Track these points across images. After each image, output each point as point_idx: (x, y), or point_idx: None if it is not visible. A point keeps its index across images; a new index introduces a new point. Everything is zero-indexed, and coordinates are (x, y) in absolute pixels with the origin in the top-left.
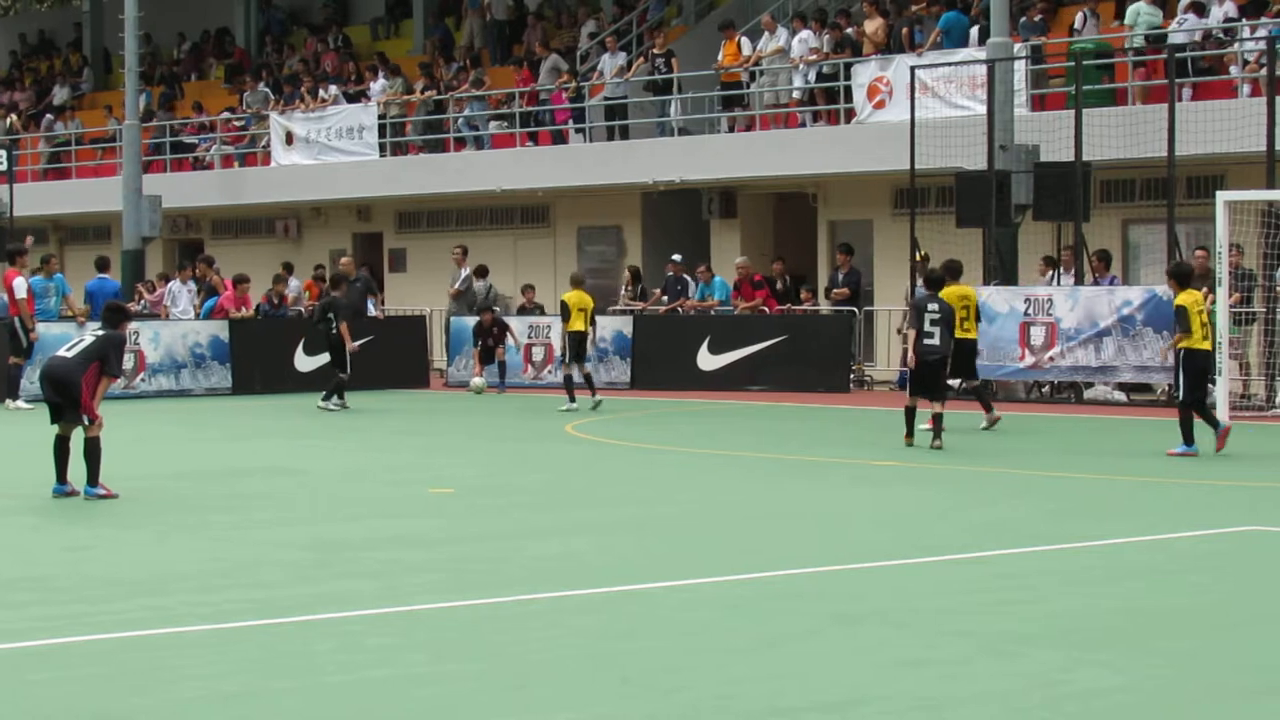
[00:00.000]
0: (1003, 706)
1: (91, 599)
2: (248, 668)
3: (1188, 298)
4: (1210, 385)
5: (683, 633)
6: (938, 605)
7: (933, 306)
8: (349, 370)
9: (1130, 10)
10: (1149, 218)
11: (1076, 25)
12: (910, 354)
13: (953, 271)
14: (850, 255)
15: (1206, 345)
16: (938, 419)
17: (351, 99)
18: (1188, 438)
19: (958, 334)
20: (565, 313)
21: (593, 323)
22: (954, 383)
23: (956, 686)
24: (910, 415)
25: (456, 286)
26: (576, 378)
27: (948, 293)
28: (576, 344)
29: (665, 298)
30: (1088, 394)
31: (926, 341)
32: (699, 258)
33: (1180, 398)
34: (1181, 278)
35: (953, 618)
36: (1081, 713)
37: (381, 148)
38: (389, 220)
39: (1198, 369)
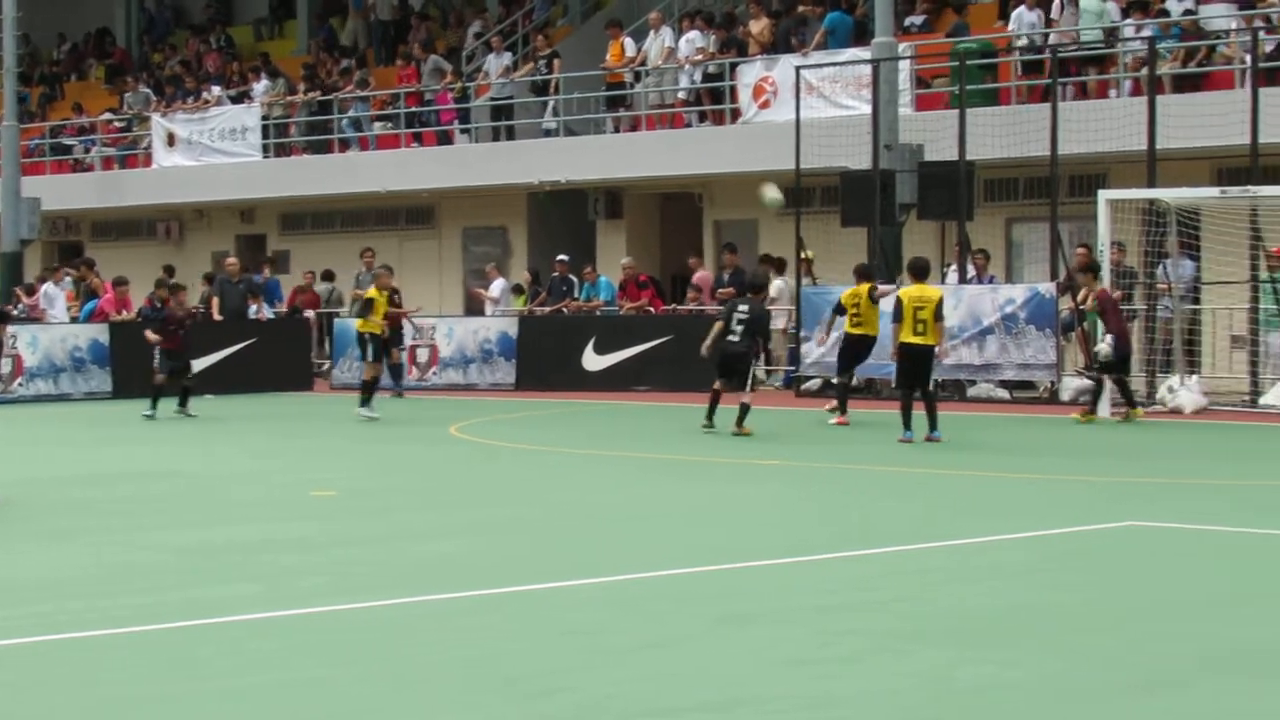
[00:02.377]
0: (890, 704)
1: None
2: (131, 673)
3: (911, 291)
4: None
5: (566, 633)
6: (823, 603)
7: (742, 308)
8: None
9: (1015, 14)
10: (1032, 216)
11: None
12: (709, 345)
13: (915, 270)
14: (736, 254)
15: (915, 339)
16: (743, 409)
17: (235, 100)
18: (904, 422)
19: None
20: (368, 310)
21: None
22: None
23: (844, 685)
24: (714, 398)
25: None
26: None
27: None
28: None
29: (550, 298)
30: (971, 392)
31: (729, 339)
32: (584, 258)
33: (894, 384)
34: (916, 272)
35: (839, 616)
36: (969, 709)
37: (265, 149)
38: (272, 222)
39: (902, 360)
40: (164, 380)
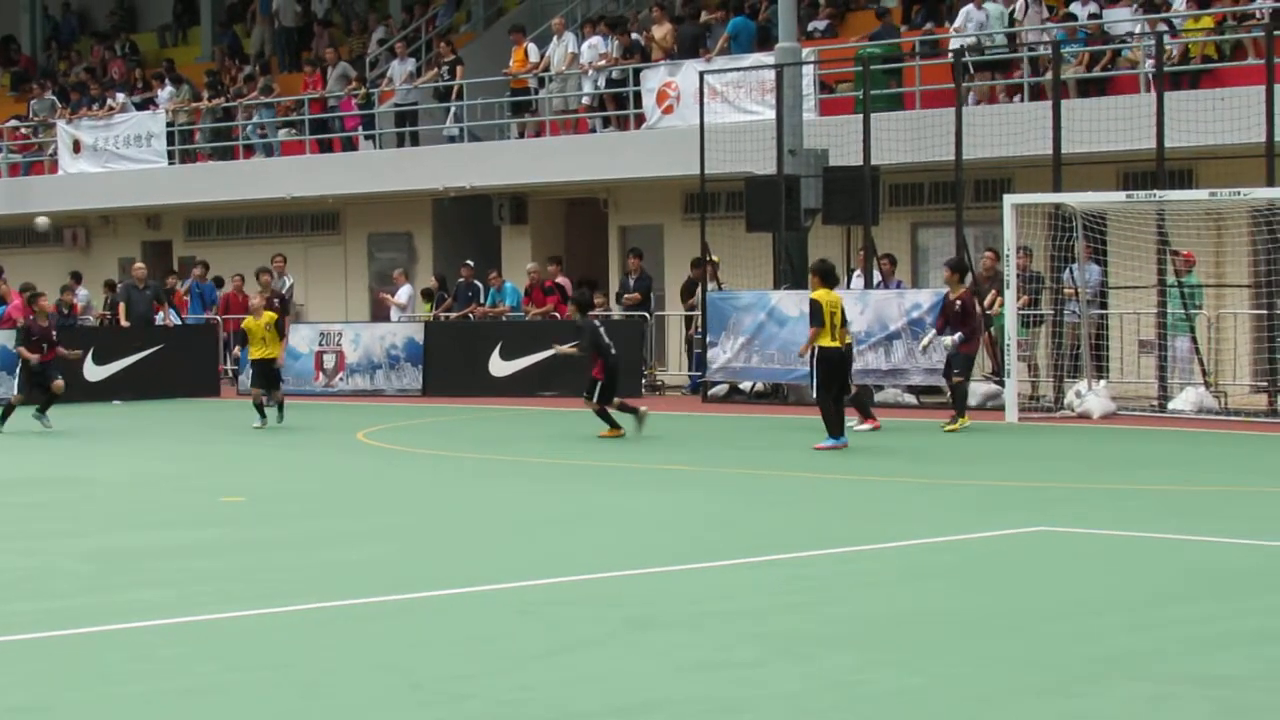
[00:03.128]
0: (796, 708)
1: None
2: (38, 679)
3: (824, 295)
4: (850, 384)
5: (474, 639)
6: (730, 608)
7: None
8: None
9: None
10: (937, 221)
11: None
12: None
13: (823, 274)
14: (641, 260)
15: (838, 343)
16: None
17: (140, 107)
18: (833, 430)
19: (831, 343)
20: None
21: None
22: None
23: (750, 689)
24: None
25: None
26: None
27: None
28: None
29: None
30: (878, 397)
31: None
32: (490, 264)
33: (815, 395)
34: (824, 275)
35: (745, 620)
36: (875, 714)
37: (170, 155)
38: (178, 228)
39: (829, 366)
40: (19, 399)
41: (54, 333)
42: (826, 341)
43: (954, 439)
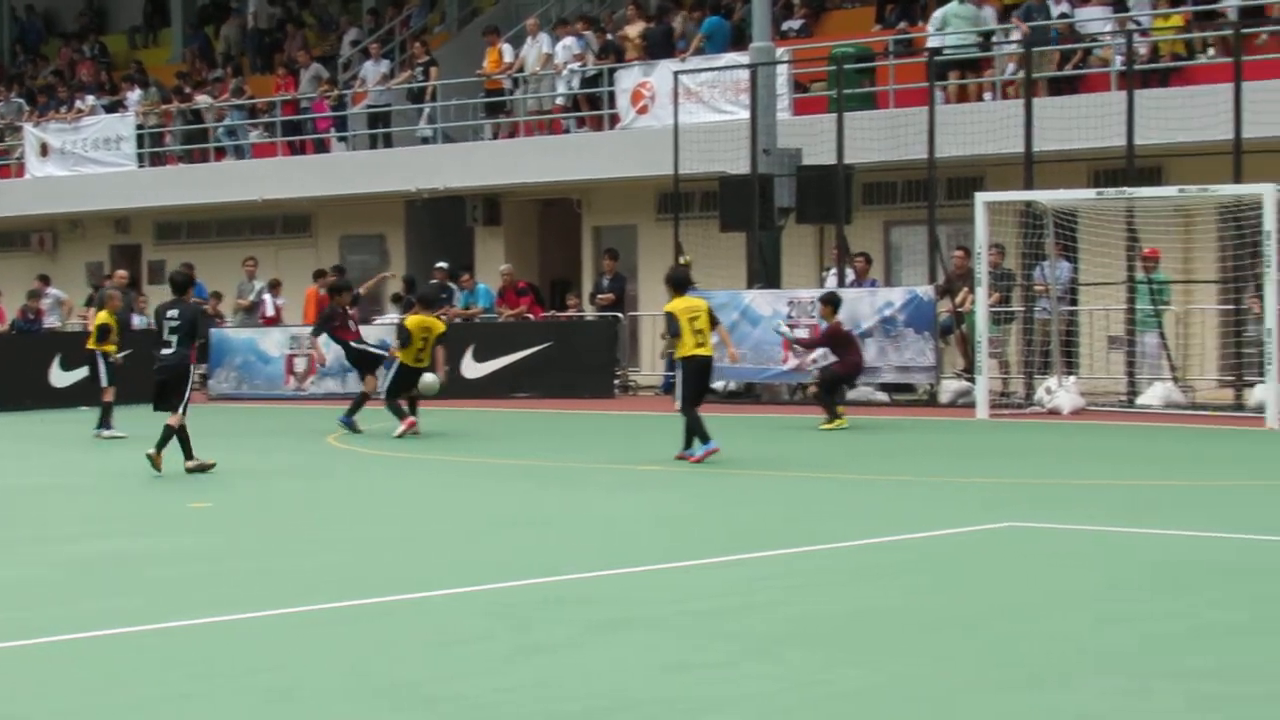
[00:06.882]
0: (766, 708)
1: None
2: (8, 691)
3: (679, 304)
4: (709, 390)
5: (446, 642)
6: (700, 608)
7: (171, 313)
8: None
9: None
10: (910, 219)
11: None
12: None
13: (675, 282)
14: (615, 260)
15: (700, 351)
16: (168, 432)
17: (109, 109)
18: (702, 438)
19: (693, 352)
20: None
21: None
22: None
23: (720, 689)
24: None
25: (249, 299)
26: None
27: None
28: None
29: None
30: (851, 395)
31: (163, 351)
32: (463, 265)
33: (680, 405)
34: (676, 284)
35: (714, 620)
36: (844, 712)
37: (140, 158)
38: (148, 232)
39: (689, 375)
40: None
41: None
42: (688, 350)
43: (926, 436)
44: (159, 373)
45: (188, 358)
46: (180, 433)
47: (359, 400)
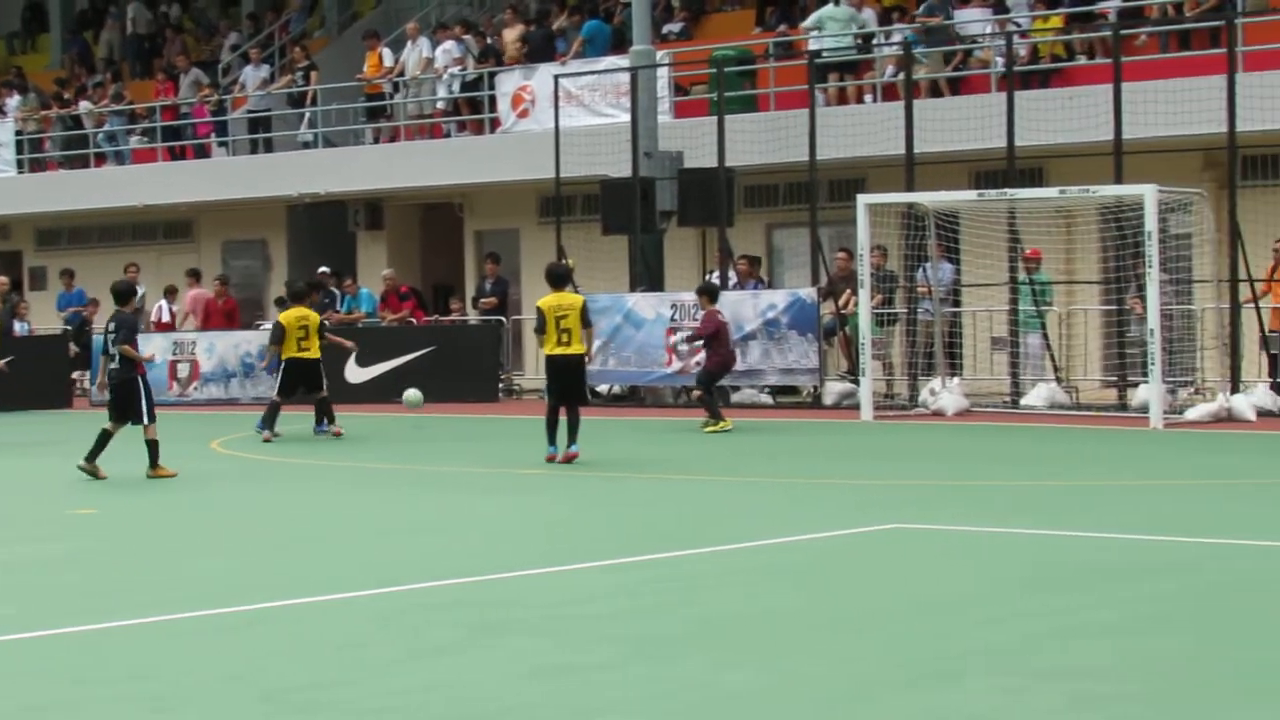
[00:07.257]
0: (653, 711)
1: None
2: None
3: (550, 300)
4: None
5: (328, 647)
6: (585, 611)
7: (111, 325)
8: None
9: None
10: (792, 221)
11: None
12: None
13: (551, 277)
14: (498, 264)
15: (561, 350)
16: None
17: None
18: (549, 439)
19: (554, 350)
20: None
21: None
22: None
23: (607, 692)
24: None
25: (134, 305)
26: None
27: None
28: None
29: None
30: (735, 397)
31: (110, 366)
32: (346, 270)
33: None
34: (552, 278)
35: (600, 623)
36: (732, 715)
37: (19, 164)
38: (28, 238)
39: (549, 374)
40: None
41: None
42: (549, 349)
43: (811, 438)
44: (109, 387)
45: (133, 367)
46: (151, 446)
47: (274, 408)
